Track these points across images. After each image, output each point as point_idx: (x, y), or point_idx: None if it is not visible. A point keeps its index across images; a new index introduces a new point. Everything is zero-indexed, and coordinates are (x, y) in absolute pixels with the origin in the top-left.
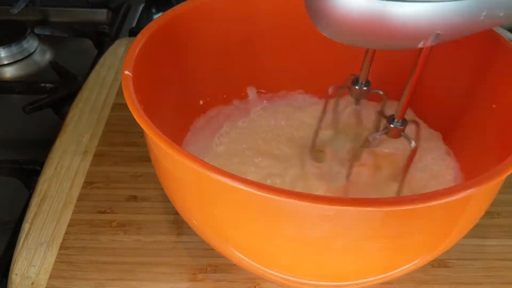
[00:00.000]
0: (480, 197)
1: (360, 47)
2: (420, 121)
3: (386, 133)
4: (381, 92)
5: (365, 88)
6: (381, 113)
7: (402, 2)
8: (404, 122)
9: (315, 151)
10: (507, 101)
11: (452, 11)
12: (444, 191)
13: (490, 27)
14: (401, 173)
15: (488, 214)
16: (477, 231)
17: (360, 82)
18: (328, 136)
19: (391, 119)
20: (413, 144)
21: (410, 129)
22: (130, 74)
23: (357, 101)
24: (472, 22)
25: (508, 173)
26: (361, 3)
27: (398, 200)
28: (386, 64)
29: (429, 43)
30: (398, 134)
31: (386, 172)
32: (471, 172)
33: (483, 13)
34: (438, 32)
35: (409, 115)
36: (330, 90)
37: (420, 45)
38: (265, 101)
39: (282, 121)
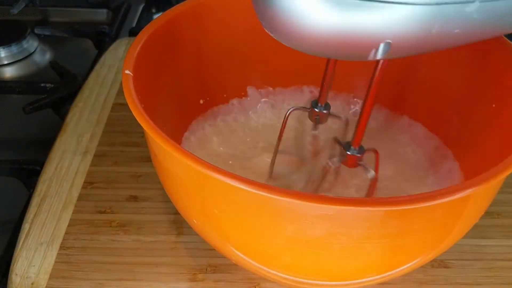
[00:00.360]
0: (480, 196)
1: (315, 55)
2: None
3: (342, 161)
4: (341, 116)
5: (324, 112)
6: (336, 140)
7: (350, 7)
8: (362, 150)
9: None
10: (506, 101)
11: (401, 17)
12: (444, 191)
13: (454, 46)
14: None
15: (488, 214)
16: (477, 231)
17: (319, 104)
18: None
19: (347, 146)
20: (371, 174)
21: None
22: (131, 74)
23: (315, 126)
24: (424, 35)
25: (508, 173)
26: (312, 12)
27: (398, 199)
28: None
29: (380, 54)
30: (355, 163)
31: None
32: (471, 172)
33: (435, 26)
34: (388, 41)
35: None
36: (288, 112)
37: (371, 55)
38: (265, 100)
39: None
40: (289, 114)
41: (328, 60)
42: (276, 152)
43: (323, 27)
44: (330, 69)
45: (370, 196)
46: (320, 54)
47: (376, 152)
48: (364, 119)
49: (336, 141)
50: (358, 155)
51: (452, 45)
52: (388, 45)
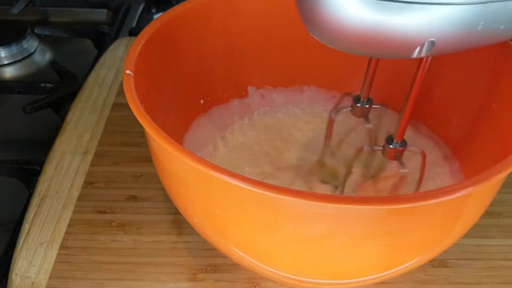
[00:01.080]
0: (480, 195)
1: (356, 55)
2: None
3: (382, 151)
4: (369, 126)
5: (367, 106)
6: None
7: (395, 7)
8: (404, 144)
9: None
10: (507, 100)
11: (446, 17)
12: (444, 190)
13: (496, 41)
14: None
15: (489, 214)
16: (477, 231)
17: (362, 100)
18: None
19: (389, 139)
20: (403, 170)
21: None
22: (131, 74)
23: (365, 119)
24: (468, 32)
25: (508, 172)
26: (354, 11)
27: (398, 198)
28: (389, 77)
29: (424, 52)
30: (393, 156)
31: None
32: (471, 171)
33: (481, 23)
34: (433, 39)
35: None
36: (333, 115)
37: (416, 54)
38: (265, 100)
39: (283, 121)
40: (334, 117)
41: (370, 59)
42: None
43: (368, 27)
44: (372, 65)
45: (394, 191)
46: (364, 53)
47: (423, 153)
48: (407, 114)
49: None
50: (399, 148)
51: (497, 40)
52: (432, 44)
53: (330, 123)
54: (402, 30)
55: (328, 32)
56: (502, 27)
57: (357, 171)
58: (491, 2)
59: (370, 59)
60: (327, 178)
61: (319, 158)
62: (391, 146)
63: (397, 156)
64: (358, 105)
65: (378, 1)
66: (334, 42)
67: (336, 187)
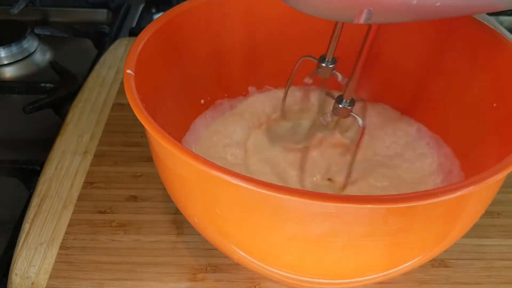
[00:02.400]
0: (480, 194)
1: (310, 15)
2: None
3: (336, 114)
4: (339, 76)
5: (330, 66)
6: (328, 94)
7: None
8: (353, 103)
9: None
10: (507, 100)
11: None
12: (445, 189)
13: (438, 17)
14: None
15: (488, 214)
16: (477, 231)
17: (327, 60)
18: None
19: (339, 99)
20: (361, 122)
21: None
22: (132, 73)
23: (312, 75)
24: (404, 5)
25: (509, 171)
26: None
27: (399, 197)
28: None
29: (363, 18)
30: (347, 114)
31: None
32: (472, 170)
33: None
34: (370, 9)
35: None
36: (307, 80)
37: (356, 19)
38: (266, 100)
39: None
40: (300, 63)
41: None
42: (286, 91)
43: None
44: (337, 27)
45: (358, 143)
46: (317, 14)
47: (364, 102)
48: (356, 74)
49: (329, 94)
50: (349, 107)
51: (438, 16)
52: (370, 12)
53: (297, 66)
54: None
55: None
56: (437, 4)
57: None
58: None
59: (336, 24)
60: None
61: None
62: (341, 106)
63: (351, 114)
64: (323, 64)
65: None
66: (295, 4)
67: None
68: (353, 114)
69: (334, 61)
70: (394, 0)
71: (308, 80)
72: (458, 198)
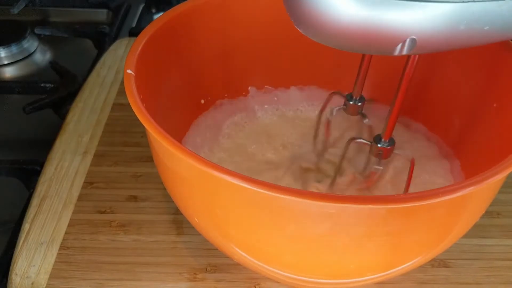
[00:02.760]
0: (481, 195)
1: (342, 50)
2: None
3: (370, 149)
4: (366, 118)
5: (359, 104)
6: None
7: (378, 3)
8: (391, 143)
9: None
10: (508, 100)
11: (427, 15)
12: (445, 189)
13: (484, 43)
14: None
15: (488, 214)
16: (477, 230)
17: (354, 98)
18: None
19: (377, 139)
20: (378, 167)
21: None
22: (132, 73)
23: (361, 115)
24: (450, 32)
25: (509, 171)
26: (340, 8)
27: (399, 197)
28: (382, 76)
29: (406, 49)
30: (389, 154)
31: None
32: (472, 170)
33: (463, 23)
34: (414, 37)
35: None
36: (328, 115)
37: (398, 51)
38: (266, 100)
39: (283, 121)
40: (330, 97)
41: (363, 57)
42: (318, 126)
43: (351, 21)
44: (365, 63)
45: (409, 180)
46: (348, 48)
47: (412, 162)
48: (395, 112)
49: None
50: (389, 147)
51: (485, 42)
52: (413, 41)
53: (325, 124)
54: (384, 25)
55: (314, 27)
56: (486, 28)
57: (346, 169)
58: (473, 1)
59: (363, 56)
60: (320, 177)
61: (311, 158)
62: (378, 145)
63: (380, 154)
64: (351, 103)
65: None
66: (320, 37)
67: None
68: (397, 153)
69: (363, 99)
70: (441, 26)
71: (331, 116)
72: (458, 198)
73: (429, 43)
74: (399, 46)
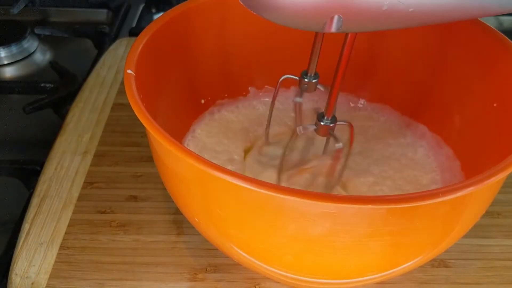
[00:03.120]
0: (481, 195)
1: (280, 24)
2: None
3: (315, 130)
4: (321, 88)
5: (314, 81)
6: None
7: None
8: (334, 120)
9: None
10: (508, 100)
11: None
12: (445, 189)
13: (413, 25)
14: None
15: (488, 214)
16: (477, 231)
17: (309, 74)
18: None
19: (320, 116)
20: (338, 144)
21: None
22: (133, 73)
23: (301, 94)
24: (374, 12)
25: (509, 172)
26: None
27: (400, 197)
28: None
29: (334, 27)
30: (326, 132)
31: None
32: (472, 171)
33: (385, 3)
34: (339, 15)
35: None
36: (298, 99)
37: (326, 28)
38: (266, 100)
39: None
40: (281, 82)
41: (316, 34)
42: (269, 120)
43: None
44: (318, 41)
45: (334, 166)
46: (287, 24)
47: (351, 125)
48: (335, 91)
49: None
50: (330, 125)
51: (413, 24)
52: (340, 19)
53: (278, 87)
54: (313, 2)
55: (259, 7)
56: (411, 10)
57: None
58: None
59: (316, 35)
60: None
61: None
62: (322, 123)
63: (330, 132)
64: (306, 79)
65: None
66: (265, 15)
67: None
68: (333, 134)
69: (317, 75)
70: (364, 5)
71: (298, 99)
72: (459, 198)
73: (356, 22)
74: (327, 23)
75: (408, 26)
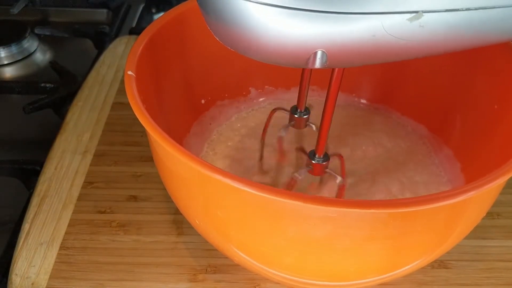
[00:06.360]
0: (481, 199)
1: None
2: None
3: (309, 171)
4: (313, 127)
5: (305, 117)
6: (300, 149)
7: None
8: (326, 157)
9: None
10: (508, 102)
11: (332, 27)
12: (446, 194)
13: (404, 58)
14: None
15: (488, 215)
16: (477, 232)
17: (299, 110)
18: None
19: (312, 155)
20: (339, 180)
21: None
22: (133, 75)
23: (286, 128)
24: (362, 45)
25: (510, 176)
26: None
27: (400, 202)
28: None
29: (318, 62)
30: (322, 171)
31: None
32: (473, 173)
33: (372, 35)
34: (323, 50)
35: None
36: (282, 133)
37: (310, 64)
38: (266, 100)
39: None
40: (272, 113)
41: (303, 69)
42: (262, 147)
43: (264, 37)
44: (305, 77)
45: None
46: (271, 62)
47: (341, 157)
48: (325, 128)
49: (301, 150)
50: (323, 163)
51: (401, 58)
52: (324, 55)
53: (269, 118)
54: (290, 37)
55: (234, 43)
56: (402, 42)
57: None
58: (374, 13)
59: (303, 71)
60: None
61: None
62: (314, 162)
63: (326, 171)
64: (296, 116)
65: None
66: (240, 52)
67: None
68: (329, 171)
69: (307, 111)
70: (347, 39)
71: (282, 132)
72: (459, 203)
73: (341, 57)
74: (311, 59)
75: (403, 59)
